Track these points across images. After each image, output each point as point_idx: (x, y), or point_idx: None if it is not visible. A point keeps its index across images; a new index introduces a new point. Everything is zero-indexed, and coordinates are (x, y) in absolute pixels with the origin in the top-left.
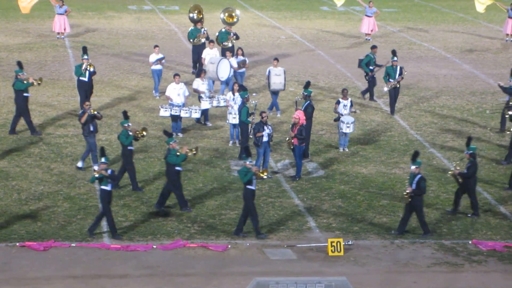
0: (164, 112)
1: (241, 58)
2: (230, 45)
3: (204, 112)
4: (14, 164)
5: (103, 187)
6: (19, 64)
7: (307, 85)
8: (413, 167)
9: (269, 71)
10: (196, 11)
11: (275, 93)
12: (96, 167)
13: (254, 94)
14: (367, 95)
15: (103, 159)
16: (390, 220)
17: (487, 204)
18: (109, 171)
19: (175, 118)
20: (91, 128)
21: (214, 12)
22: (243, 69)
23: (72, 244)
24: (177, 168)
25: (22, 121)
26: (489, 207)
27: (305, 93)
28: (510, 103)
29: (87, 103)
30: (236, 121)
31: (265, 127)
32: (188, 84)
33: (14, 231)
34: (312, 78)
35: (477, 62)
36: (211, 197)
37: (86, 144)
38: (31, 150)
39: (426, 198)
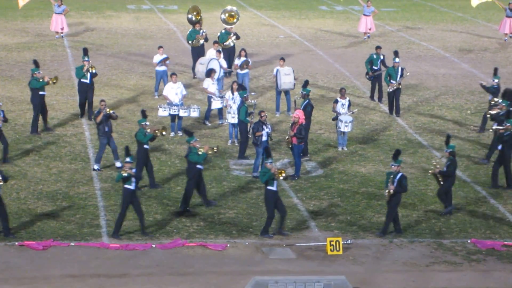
0: (163, 112)
1: (244, 59)
2: (231, 45)
3: (217, 111)
4: (13, 163)
5: (126, 186)
6: (35, 62)
7: (306, 84)
8: (394, 165)
9: (277, 71)
10: (194, 13)
11: (285, 93)
12: (96, 166)
13: (253, 93)
14: (376, 96)
15: (128, 159)
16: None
17: (486, 203)
18: (133, 170)
19: (174, 118)
20: (106, 128)
21: (213, 11)
22: (246, 70)
23: (71, 244)
24: (198, 166)
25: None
26: (488, 206)
27: (304, 92)
28: (492, 102)
29: (102, 102)
30: (235, 120)
31: (264, 127)
32: (187, 85)
33: (13, 230)
34: (311, 77)
35: (476, 61)
36: (210, 196)
37: (99, 144)
38: (29, 149)
39: (424, 197)
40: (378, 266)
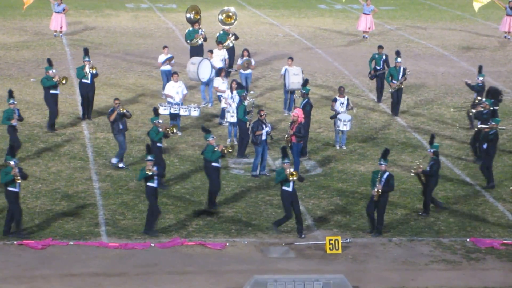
0: (164, 111)
1: (246, 58)
2: (230, 45)
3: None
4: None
5: (149, 184)
6: (49, 61)
7: (305, 83)
8: (383, 165)
9: (286, 71)
10: (193, 12)
11: (291, 92)
12: (121, 165)
13: (252, 92)
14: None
15: (149, 157)
16: (387, 218)
17: (485, 202)
18: (155, 168)
19: (174, 117)
20: (120, 126)
21: (212, 10)
22: (249, 71)
23: (70, 243)
24: (214, 164)
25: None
26: (487, 205)
27: (303, 91)
28: (476, 101)
29: (116, 101)
30: (234, 119)
31: (264, 126)
32: (186, 84)
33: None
34: (310, 76)
35: (475, 60)
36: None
37: (117, 143)
38: (28, 148)
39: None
40: (377, 264)
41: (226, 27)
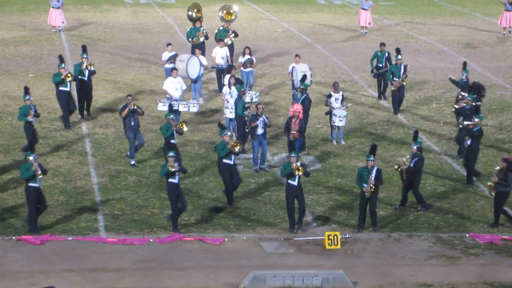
0: (162, 107)
1: (248, 57)
2: (229, 43)
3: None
4: (10, 158)
5: (171, 180)
6: (60, 57)
7: (304, 78)
8: (371, 161)
9: (293, 68)
10: (195, 10)
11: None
12: (132, 162)
13: (247, 89)
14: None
15: (171, 153)
16: (387, 213)
17: (484, 197)
18: (176, 164)
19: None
20: (132, 123)
21: (211, 5)
22: (250, 69)
23: (68, 238)
24: (224, 160)
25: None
26: (486, 200)
27: (302, 87)
28: (459, 96)
29: (129, 97)
30: (232, 115)
31: (260, 119)
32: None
33: (10, 224)
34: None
35: (474, 55)
36: (207, 191)
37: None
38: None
39: (422, 191)
40: (376, 260)
41: (226, 24)
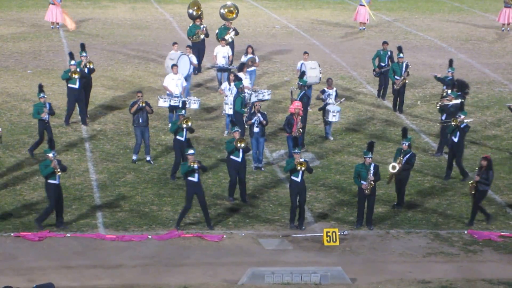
0: (163, 103)
1: (250, 56)
2: (229, 40)
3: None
4: (9, 154)
5: (190, 178)
6: (70, 54)
7: (302, 75)
8: (369, 158)
9: (302, 65)
10: (195, 7)
11: (308, 87)
12: (134, 157)
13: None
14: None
15: (190, 151)
16: (385, 210)
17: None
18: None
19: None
20: (140, 120)
21: (210, 2)
22: (253, 68)
23: (67, 235)
24: (232, 157)
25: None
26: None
27: (300, 83)
28: (444, 93)
29: (139, 94)
30: (232, 111)
31: (256, 116)
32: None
33: (9, 221)
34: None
35: (473, 51)
36: (206, 187)
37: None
38: (25, 140)
39: (421, 188)
40: (375, 257)
41: (227, 22)
